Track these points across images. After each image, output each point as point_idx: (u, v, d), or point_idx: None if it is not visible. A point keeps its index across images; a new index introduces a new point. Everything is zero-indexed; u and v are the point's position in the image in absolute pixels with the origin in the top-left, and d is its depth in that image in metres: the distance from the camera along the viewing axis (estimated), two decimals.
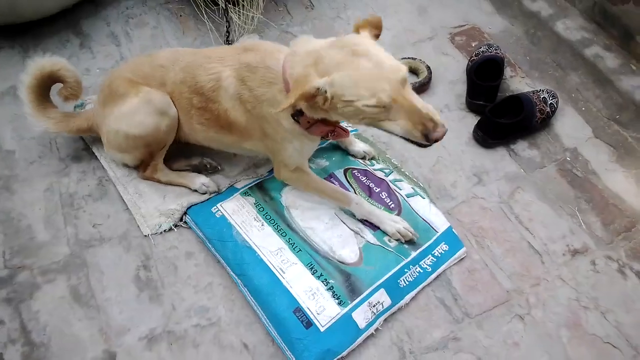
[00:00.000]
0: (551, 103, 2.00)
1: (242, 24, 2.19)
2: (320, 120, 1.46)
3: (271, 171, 1.79)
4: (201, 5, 2.25)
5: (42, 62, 1.69)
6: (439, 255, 1.67)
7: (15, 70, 2.06)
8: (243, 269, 1.59)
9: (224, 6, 2.14)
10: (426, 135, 1.31)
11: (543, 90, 2.03)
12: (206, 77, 1.56)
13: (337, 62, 1.30)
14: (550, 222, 1.80)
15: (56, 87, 1.77)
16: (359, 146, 1.88)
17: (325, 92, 1.30)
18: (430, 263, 1.65)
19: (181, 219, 1.74)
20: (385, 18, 2.39)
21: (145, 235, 1.71)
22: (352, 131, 1.93)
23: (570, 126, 2.05)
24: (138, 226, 1.73)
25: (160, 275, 1.64)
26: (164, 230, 1.72)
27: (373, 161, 1.88)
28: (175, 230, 1.73)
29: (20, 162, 1.86)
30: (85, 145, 1.90)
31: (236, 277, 1.60)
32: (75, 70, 1.74)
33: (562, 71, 2.21)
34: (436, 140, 1.32)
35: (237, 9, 2.15)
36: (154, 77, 1.65)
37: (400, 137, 1.43)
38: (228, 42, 2.19)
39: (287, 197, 1.75)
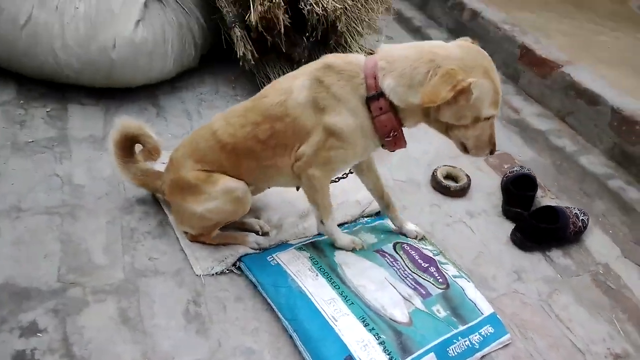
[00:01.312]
0: (583, 219, 2.16)
1: None
2: (392, 110, 1.51)
3: (321, 234, 1.89)
4: None
5: (128, 122, 1.83)
6: (486, 335, 1.68)
7: (95, 124, 2.30)
8: (295, 313, 1.60)
9: None
10: (490, 152, 1.58)
11: (574, 208, 2.21)
12: (274, 96, 1.59)
13: (482, 66, 1.43)
14: (589, 325, 1.84)
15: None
16: (411, 226, 1.99)
17: (472, 93, 1.40)
18: (478, 340, 1.66)
19: (234, 265, 1.78)
20: (428, 134, 2.68)
21: (198, 275, 1.74)
22: (381, 218, 2.06)
23: (600, 244, 2.19)
24: (191, 266, 1.76)
25: (209, 311, 1.64)
26: (216, 273, 1.75)
27: (422, 241, 1.98)
28: (227, 274, 1.76)
29: (88, 195, 1.96)
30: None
31: (287, 322, 1.59)
32: (154, 137, 1.86)
33: (589, 198, 2.42)
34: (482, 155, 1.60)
35: None
36: (212, 149, 1.70)
37: (459, 142, 1.59)
38: None
39: (340, 256, 1.81)
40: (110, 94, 2.45)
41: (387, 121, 1.53)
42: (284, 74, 2.57)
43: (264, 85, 2.53)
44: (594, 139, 2.65)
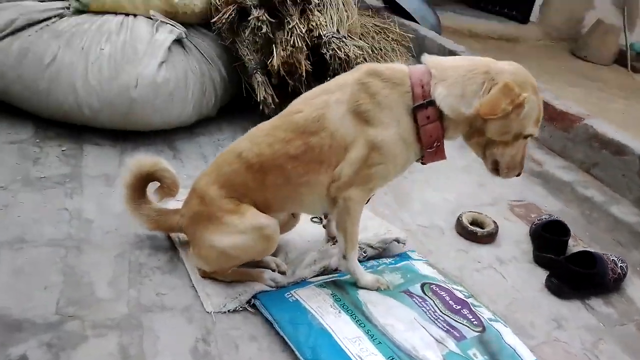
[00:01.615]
0: (621, 266, 2.01)
1: None
2: (438, 120, 1.47)
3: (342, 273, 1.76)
4: None
5: (142, 160, 1.73)
6: None
7: (110, 164, 2.25)
8: (316, 352, 1.43)
9: None
10: (518, 174, 1.57)
11: (611, 254, 2.07)
12: (309, 111, 1.52)
13: (530, 83, 1.44)
14: None
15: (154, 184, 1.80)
16: None
17: (524, 107, 1.40)
18: None
19: (248, 302, 1.64)
20: (447, 183, 2.61)
21: (208, 312, 1.59)
22: (406, 259, 1.93)
23: None
24: (202, 302, 1.62)
25: (219, 351, 1.47)
26: (229, 310, 1.61)
27: (451, 282, 1.83)
28: (241, 312, 1.61)
29: (97, 230, 1.86)
30: None
31: None
32: (173, 171, 1.78)
33: (624, 248, 2.27)
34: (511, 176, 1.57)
35: None
36: (237, 172, 1.60)
37: (492, 161, 1.55)
38: None
39: (364, 295, 1.66)
40: (127, 136, 2.42)
41: (434, 131, 1.49)
42: None
43: None
44: (622, 188, 2.55)
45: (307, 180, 1.56)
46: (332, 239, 1.92)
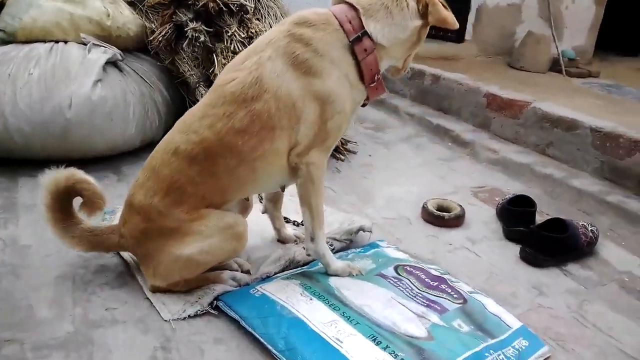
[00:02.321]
0: (592, 229, 1.98)
1: None
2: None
3: (310, 263, 1.64)
4: None
5: (55, 174, 1.51)
6: (521, 349, 1.39)
7: None
8: (290, 342, 1.29)
9: None
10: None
11: (580, 221, 2.03)
12: (244, 76, 1.41)
13: None
14: (635, 331, 1.57)
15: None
16: (289, 231, 1.86)
17: None
18: (514, 354, 1.36)
19: (210, 305, 1.49)
20: (408, 179, 2.56)
21: (166, 320, 1.43)
22: (375, 246, 1.84)
23: (616, 255, 1.98)
24: (158, 312, 1.46)
25: (182, 357, 1.31)
26: (189, 316, 1.45)
27: (424, 262, 1.74)
28: (202, 316, 1.46)
29: (35, 255, 1.68)
30: None
31: (281, 355, 1.28)
32: (92, 181, 1.55)
33: (590, 216, 2.25)
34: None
35: None
36: (179, 170, 1.45)
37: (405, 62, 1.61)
38: None
39: (336, 281, 1.54)
40: (66, 166, 2.25)
41: (373, 63, 1.47)
42: None
43: None
44: (580, 162, 2.56)
45: (262, 153, 1.44)
46: (280, 234, 1.84)
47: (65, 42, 2.36)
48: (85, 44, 2.35)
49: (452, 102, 3.34)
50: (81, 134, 2.16)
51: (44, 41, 2.34)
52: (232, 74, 1.45)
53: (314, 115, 1.43)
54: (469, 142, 2.98)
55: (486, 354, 1.32)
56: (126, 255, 1.68)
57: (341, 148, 2.75)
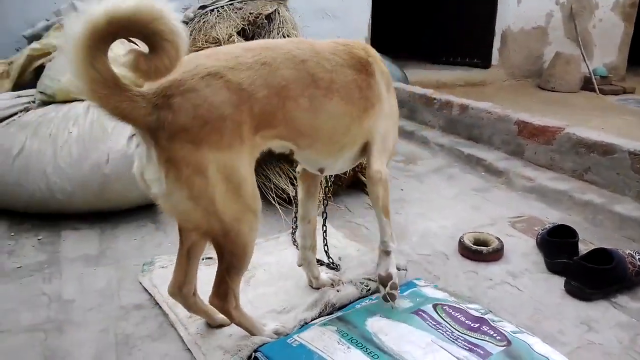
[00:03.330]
0: (639, 258, 1.90)
1: None
2: None
3: (346, 307, 1.63)
4: (272, 196, 2.42)
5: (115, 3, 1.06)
6: None
7: (90, 245, 2.14)
8: None
9: (293, 194, 2.30)
10: None
11: (625, 249, 1.95)
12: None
13: None
14: None
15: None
16: (324, 276, 1.84)
17: None
18: None
19: (250, 357, 1.48)
20: (442, 212, 2.52)
21: None
22: (412, 286, 1.81)
23: None
24: None
25: None
26: None
27: (463, 301, 1.69)
28: None
29: (78, 309, 1.72)
30: (150, 295, 1.78)
31: None
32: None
33: (636, 243, 2.16)
34: None
35: None
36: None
37: None
38: (295, 226, 2.26)
39: (373, 325, 1.52)
40: (105, 217, 2.33)
41: None
42: (282, 172, 2.53)
43: (267, 187, 2.47)
44: (620, 187, 2.48)
45: (362, 121, 1.57)
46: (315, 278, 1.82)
47: None
48: None
49: (483, 131, 3.31)
50: (118, 187, 2.23)
51: (82, 100, 2.44)
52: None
53: (385, 128, 1.66)
54: (503, 170, 2.93)
55: None
56: (165, 306, 1.70)
57: None
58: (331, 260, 1.95)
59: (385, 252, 1.63)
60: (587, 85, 6.46)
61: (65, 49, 1.10)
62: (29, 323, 1.64)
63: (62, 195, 2.19)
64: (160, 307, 1.73)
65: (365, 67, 1.55)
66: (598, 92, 6.33)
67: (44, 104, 2.43)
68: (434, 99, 3.76)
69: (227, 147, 1.26)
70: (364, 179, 2.64)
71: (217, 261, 1.43)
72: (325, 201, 1.96)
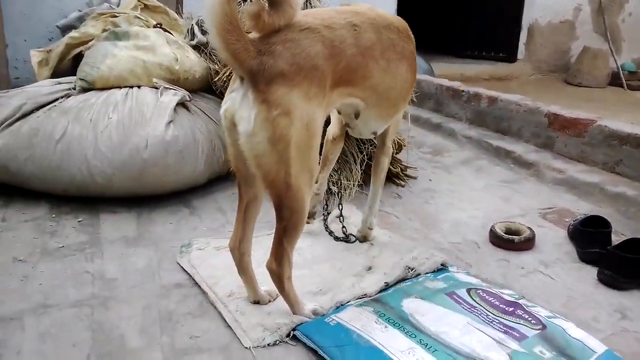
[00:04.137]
0: None
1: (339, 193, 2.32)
2: None
3: (382, 290, 1.66)
4: None
5: None
6: None
7: (128, 227, 2.21)
8: None
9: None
10: None
11: None
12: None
13: None
14: None
15: None
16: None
17: None
18: None
19: (288, 335, 1.53)
20: (472, 203, 2.54)
21: (247, 348, 1.48)
22: (445, 271, 1.82)
23: None
24: (239, 339, 1.51)
25: None
26: (268, 344, 1.49)
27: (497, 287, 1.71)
28: (280, 345, 1.50)
29: (121, 287, 1.78)
30: (189, 276, 1.84)
31: None
32: None
33: None
34: None
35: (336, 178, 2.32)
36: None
37: None
38: (327, 212, 2.29)
39: (409, 306, 1.55)
40: (142, 201, 2.39)
41: None
42: None
43: None
44: None
45: (396, 75, 1.68)
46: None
47: (139, 87, 2.53)
48: (157, 88, 2.51)
49: (512, 123, 3.30)
50: (156, 172, 2.29)
51: (120, 87, 2.51)
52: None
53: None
54: (533, 162, 2.92)
55: None
56: (204, 285, 1.76)
57: (401, 174, 2.77)
58: (345, 232, 2.08)
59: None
60: (614, 80, 6.37)
61: None
62: (75, 299, 1.71)
63: (102, 179, 2.26)
64: (199, 286, 1.78)
65: (414, 43, 1.75)
66: (626, 87, 6.24)
67: (84, 90, 2.50)
68: (462, 91, 3.76)
69: (313, 97, 1.38)
70: (392, 168, 2.66)
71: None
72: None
